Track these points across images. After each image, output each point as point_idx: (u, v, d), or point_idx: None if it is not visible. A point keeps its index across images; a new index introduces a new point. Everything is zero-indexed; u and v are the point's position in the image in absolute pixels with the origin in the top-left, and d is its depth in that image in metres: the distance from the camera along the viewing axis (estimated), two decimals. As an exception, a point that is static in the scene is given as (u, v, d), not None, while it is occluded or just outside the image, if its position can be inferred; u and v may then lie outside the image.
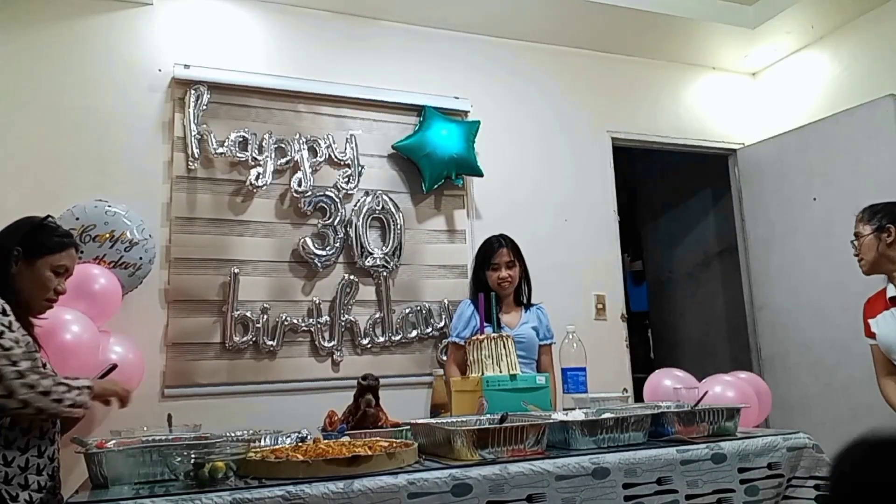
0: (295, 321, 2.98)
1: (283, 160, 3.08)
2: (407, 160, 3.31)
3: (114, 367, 2.02)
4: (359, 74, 3.30)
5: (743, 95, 4.25)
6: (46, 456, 1.71)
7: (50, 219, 1.87)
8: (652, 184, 5.27)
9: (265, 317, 2.93)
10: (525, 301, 2.91)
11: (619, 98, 3.90)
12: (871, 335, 2.41)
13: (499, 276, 2.81)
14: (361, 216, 3.16)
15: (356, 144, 3.22)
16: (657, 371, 2.92)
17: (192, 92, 2.95)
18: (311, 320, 3.01)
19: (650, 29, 3.70)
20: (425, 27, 3.50)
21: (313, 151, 3.14)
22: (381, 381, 2.08)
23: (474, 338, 2.20)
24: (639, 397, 3.11)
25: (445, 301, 3.23)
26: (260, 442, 1.72)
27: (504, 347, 2.15)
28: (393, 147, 3.29)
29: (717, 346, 4.55)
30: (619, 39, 3.78)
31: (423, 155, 3.24)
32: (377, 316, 3.14)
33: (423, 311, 3.21)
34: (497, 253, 2.84)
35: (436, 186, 3.29)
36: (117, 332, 2.52)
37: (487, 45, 3.63)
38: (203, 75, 2.99)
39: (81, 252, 2.46)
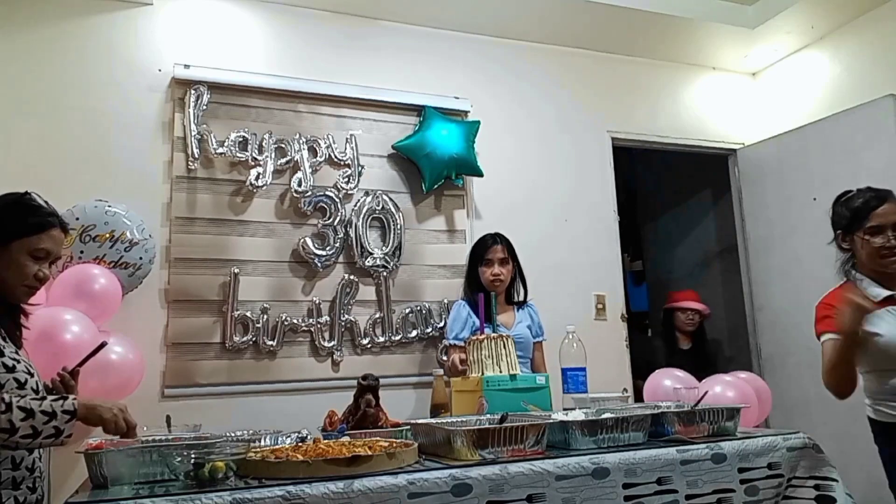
0: (295, 321, 2.98)
1: (283, 160, 3.08)
2: (407, 160, 3.31)
3: (103, 344, 1.83)
4: (359, 74, 3.30)
5: (743, 95, 4.25)
6: (24, 467, 1.53)
7: (29, 196, 1.65)
8: (652, 184, 5.27)
9: (265, 317, 2.93)
10: (518, 300, 2.91)
11: (619, 98, 3.90)
12: (833, 328, 2.05)
13: (492, 272, 2.81)
14: (361, 216, 3.16)
15: (356, 144, 3.22)
16: (657, 371, 2.92)
17: (192, 92, 2.95)
18: (311, 320, 3.01)
19: (650, 29, 3.70)
20: (425, 27, 3.50)
21: (313, 151, 3.14)
22: (381, 381, 2.07)
23: (474, 338, 2.20)
24: (639, 397, 3.11)
25: (445, 301, 3.23)
26: (260, 442, 1.71)
27: (504, 347, 2.15)
28: (393, 147, 3.29)
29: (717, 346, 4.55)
30: (619, 39, 3.78)
31: (423, 155, 3.24)
32: (377, 316, 3.14)
33: (423, 311, 3.21)
34: (490, 249, 2.85)
35: (436, 186, 3.29)
36: (117, 332, 2.52)
37: (487, 45, 3.63)
38: (203, 75, 2.99)
39: (82, 238, 2.46)
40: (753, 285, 3.99)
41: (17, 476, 1.52)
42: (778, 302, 3.81)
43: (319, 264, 3.05)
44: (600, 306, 3.61)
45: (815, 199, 3.64)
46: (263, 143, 3.04)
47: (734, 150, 4.14)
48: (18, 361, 1.58)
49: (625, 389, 3.37)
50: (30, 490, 1.55)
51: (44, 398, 1.46)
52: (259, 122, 3.09)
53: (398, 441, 1.63)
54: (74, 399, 1.48)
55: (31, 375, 1.60)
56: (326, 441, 1.57)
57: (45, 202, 1.69)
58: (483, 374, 2.08)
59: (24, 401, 1.43)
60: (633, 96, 3.94)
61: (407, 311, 3.19)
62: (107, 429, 1.50)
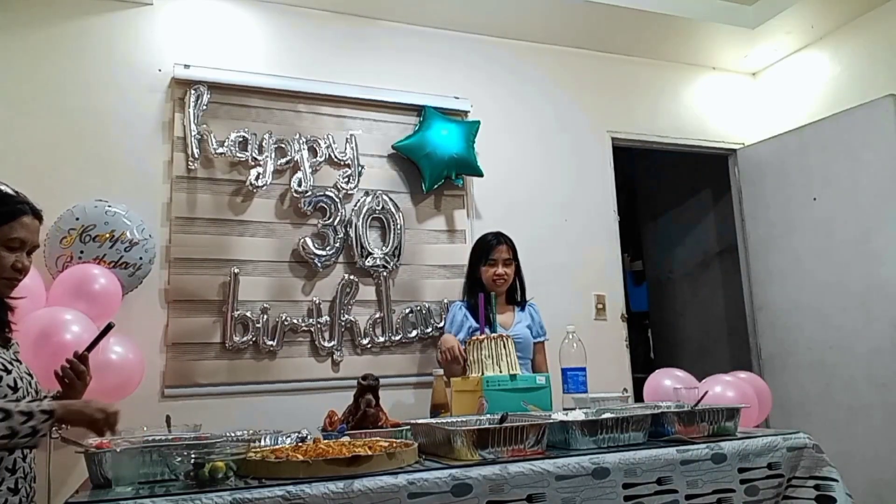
0: (295, 321, 2.98)
1: (283, 160, 3.08)
2: (407, 160, 3.31)
3: (110, 326, 1.79)
4: (359, 74, 3.31)
5: (743, 95, 4.25)
6: (4, 468, 1.51)
7: None
8: (652, 184, 5.28)
9: (265, 317, 2.93)
10: (518, 299, 2.90)
11: (619, 98, 3.90)
12: None
13: (495, 272, 2.78)
14: (361, 216, 3.16)
15: (356, 144, 3.22)
16: (657, 371, 2.92)
17: (192, 92, 2.95)
18: (311, 320, 3.01)
19: (650, 29, 3.70)
20: (425, 27, 3.50)
21: (313, 151, 3.14)
22: (381, 381, 2.08)
23: (474, 338, 2.20)
24: (639, 397, 3.11)
25: (445, 301, 3.23)
26: (260, 442, 1.71)
27: (504, 347, 2.15)
28: (393, 147, 3.29)
29: (717, 346, 4.55)
30: (619, 39, 3.78)
31: (423, 155, 3.24)
32: (377, 316, 3.14)
33: (423, 311, 3.21)
34: (496, 249, 2.82)
35: (436, 186, 3.29)
36: (117, 332, 2.50)
37: (487, 45, 3.63)
38: (203, 75, 2.99)
39: (82, 238, 2.46)
40: (753, 285, 3.99)
41: None
42: (778, 302, 3.81)
43: (319, 264, 3.05)
44: (600, 306, 3.61)
45: (815, 199, 3.65)
46: (263, 143, 3.04)
47: (734, 150, 4.14)
48: None
49: (625, 389, 3.37)
50: (11, 491, 1.53)
51: (19, 400, 1.48)
52: (259, 122, 3.09)
53: (398, 441, 1.63)
54: (51, 401, 1.49)
55: (8, 372, 1.55)
56: (326, 441, 1.57)
57: (15, 191, 1.64)
58: (483, 374, 2.09)
59: (2, 402, 1.44)
60: (633, 96, 3.94)
61: (407, 311, 3.19)
62: (91, 420, 1.48)
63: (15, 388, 1.55)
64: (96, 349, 1.80)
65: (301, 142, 3.12)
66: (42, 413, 1.43)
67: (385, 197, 3.23)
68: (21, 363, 1.66)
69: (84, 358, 1.73)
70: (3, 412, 1.40)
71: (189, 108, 2.93)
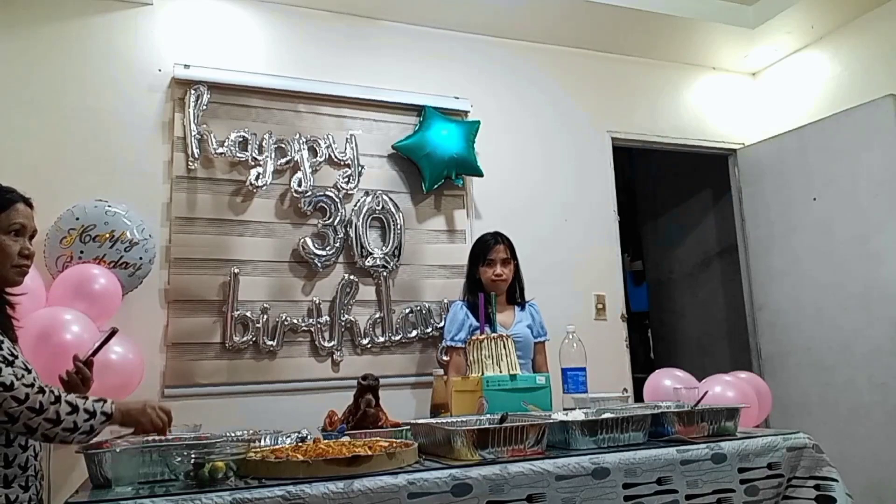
0: (295, 321, 2.98)
1: (283, 160, 3.08)
2: (407, 160, 3.31)
3: (114, 331, 1.85)
4: (359, 74, 3.30)
5: (743, 95, 4.25)
6: (17, 465, 1.54)
7: None
8: (652, 184, 5.28)
9: (265, 317, 2.93)
10: (518, 299, 2.90)
11: (619, 98, 3.90)
12: None
13: (494, 272, 2.78)
14: (361, 216, 3.16)
15: (356, 144, 3.22)
16: (657, 371, 2.92)
17: (192, 92, 2.95)
18: (311, 320, 3.01)
19: (650, 29, 3.70)
20: (425, 27, 3.50)
21: (313, 151, 3.14)
22: (381, 381, 2.08)
23: (474, 338, 2.20)
24: (639, 397, 3.11)
25: (445, 301, 3.23)
26: (260, 442, 1.71)
27: (504, 347, 2.15)
28: (393, 147, 3.29)
29: (717, 346, 4.55)
30: (619, 39, 3.78)
31: (423, 155, 3.25)
32: (377, 316, 3.14)
33: (423, 311, 3.21)
34: (493, 249, 2.81)
35: (436, 186, 3.29)
36: (117, 333, 2.51)
37: (487, 45, 3.63)
38: (203, 75, 2.99)
39: (82, 238, 2.47)
40: (753, 285, 3.99)
41: (8, 474, 1.52)
42: (778, 302, 3.82)
43: (319, 264, 3.05)
44: (600, 306, 3.61)
45: (815, 199, 3.65)
46: (263, 143, 3.04)
47: (734, 150, 4.14)
48: (16, 356, 1.56)
49: (625, 389, 3.38)
50: (22, 488, 1.55)
51: (86, 398, 1.54)
52: (259, 122, 3.09)
53: (398, 441, 1.63)
54: (112, 403, 1.57)
55: (29, 371, 1.57)
56: (326, 441, 1.57)
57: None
58: (483, 374, 2.09)
59: (71, 396, 1.52)
60: (633, 96, 3.94)
61: (407, 311, 3.19)
62: (145, 430, 1.60)
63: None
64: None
65: (301, 142, 3.12)
66: (102, 414, 1.52)
67: (385, 197, 3.23)
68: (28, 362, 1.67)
69: (89, 363, 1.78)
70: (71, 406, 1.48)
71: (189, 108, 2.93)
